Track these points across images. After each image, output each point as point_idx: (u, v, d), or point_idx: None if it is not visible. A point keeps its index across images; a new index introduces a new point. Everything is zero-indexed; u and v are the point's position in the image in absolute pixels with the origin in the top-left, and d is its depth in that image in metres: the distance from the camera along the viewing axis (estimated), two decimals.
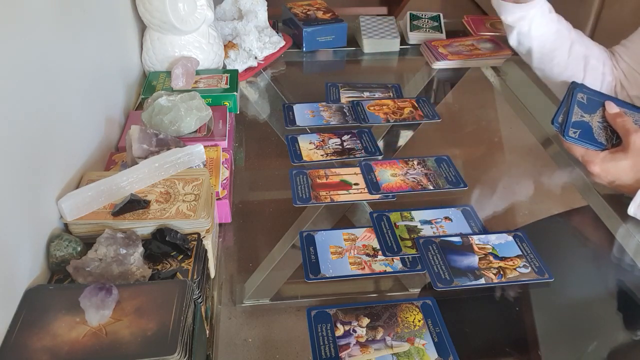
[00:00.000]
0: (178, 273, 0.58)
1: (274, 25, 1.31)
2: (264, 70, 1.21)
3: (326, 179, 0.86)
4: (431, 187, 0.85)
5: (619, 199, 0.80)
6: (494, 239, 0.75)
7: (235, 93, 0.97)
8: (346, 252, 0.73)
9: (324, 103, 1.08)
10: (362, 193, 0.84)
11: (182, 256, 0.60)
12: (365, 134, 0.98)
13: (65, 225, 0.63)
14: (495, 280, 0.69)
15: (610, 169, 0.77)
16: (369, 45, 1.30)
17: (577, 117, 0.82)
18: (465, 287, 0.68)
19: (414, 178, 0.87)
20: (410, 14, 1.39)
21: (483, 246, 0.74)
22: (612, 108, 0.82)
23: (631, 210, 0.76)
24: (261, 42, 1.20)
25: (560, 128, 0.82)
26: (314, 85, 1.17)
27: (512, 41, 1.01)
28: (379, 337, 0.62)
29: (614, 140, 0.80)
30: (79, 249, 0.59)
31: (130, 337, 0.48)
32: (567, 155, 0.85)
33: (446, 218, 0.80)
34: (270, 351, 0.62)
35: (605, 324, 0.67)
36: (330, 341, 0.61)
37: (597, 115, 0.83)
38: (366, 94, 1.12)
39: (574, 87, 0.86)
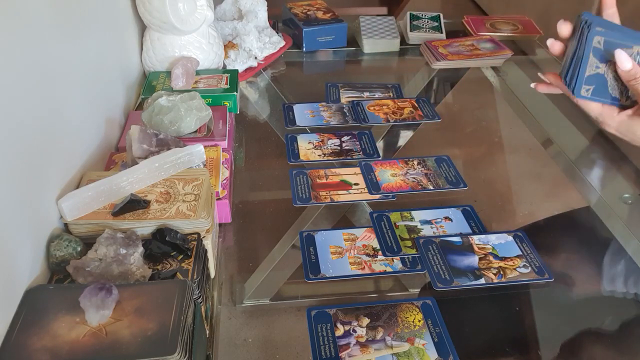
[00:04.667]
0: (178, 273, 0.58)
1: (274, 25, 1.30)
2: (264, 70, 1.21)
3: (326, 179, 0.86)
4: (431, 187, 0.85)
5: (619, 199, 0.80)
6: (494, 239, 0.75)
7: (235, 93, 0.97)
8: (346, 252, 0.73)
9: (324, 103, 1.08)
10: (362, 193, 0.84)
11: (182, 256, 0.60)
12: (365, 136, 0.98)
13: (65, 225, 0.63)
14: (495, 280, 0.69)
15: (627, 133, 0.71)
16: (369, 45, 1.30)
17: (591, 70, 0.69)
18: (465, 287, 0.68)
19: (414, 178, 0.87)
20: (410, 14, 1.39)
21: (483, 246, 0.74)
22: (624, 63, 0.67)
23: None
24: (261, 42, 1.20)
25: (570, 84, 0.71)
26: (314, 85, 1.17)
27: None
28: (379, 337, 0.62)
29: (629, 93, 0.70)
30: (79, 249, 0.59)
31: (130, 337, 0.48)
32: (567, 155, 0.85)
33: (446, 218, 0.80)
34: (270, 351, 0.62)
35: (605, 324, 0.67)
36: (330, 341, 0.61)
37: (612, 65, 0.69)
38: (366, 94, 1.12)
39: (589, 27, 0.68)
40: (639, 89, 0.68)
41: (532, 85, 0.78)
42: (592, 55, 0.69)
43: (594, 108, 0.72)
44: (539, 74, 0.77)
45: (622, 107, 0.72)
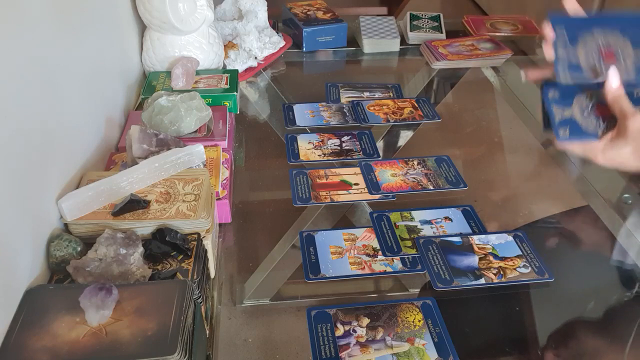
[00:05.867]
0: (178, 273, 0.58)
1: (274, 25, 1.31)
2: (264, 70, 1.21)
3: (326, 179, 0.86)
4: (431, 187, 0.85)
5: (619, 199, 0.80)
6: (494, 239, 0.75)
7: (235, 93, 0.97)
8: (346, 252, 0.73)
9: (324, 103, 1.08)
10: (362, 193, 0.84)
11: (182, 256, 0.60)
12: (365, 136, 0.98)
13: (65, 225, 0.63)
14: (495, 280, 0.69)
15: (615, 157, 0.72)
16: (369, 45, 1.30)
17: (559, 116, 0.78)
18: (465, 287, 0.68)
19: (414, 178, 0.87)
20: (410, 14, 1.39)
21: (483, 246, 0.74)
22: (614, 83, 0.72)
23: None
24: (261, 42, 1.20)
25: (550, 132, 0.78)
26: (314, 85, 1.17)
27: None
28: (379, 337, 0.62)
29: (602, 124, 0.76)
30: (79, 249, 0.59)
31: (130, 337, 0.48)
32: (567, 154, 0.85)
33: (446, 218, 0.80)
34: (270, 351, 0.62)
35: (605, 324, 0.67)
36: (330, 341, 0.61)
37: (575, 105, 0.77)
38: (366, 94, 1.12)
39: (543, 86, 0.80)
40: (623, 108, 0.70)
41: (523, 77, 0.82)
42: (554, 106, 0.77)
43: (577, 148, 0.74)
44: (521, 72, 0.81)
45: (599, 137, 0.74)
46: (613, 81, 0.73)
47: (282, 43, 1.27)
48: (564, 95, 0.78)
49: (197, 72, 1.01)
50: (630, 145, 0.71)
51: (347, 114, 1.05)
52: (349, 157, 0.92)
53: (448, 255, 0.72)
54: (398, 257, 0.72)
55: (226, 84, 0.99)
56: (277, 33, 1.28)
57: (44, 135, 0.61)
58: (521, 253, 0.73)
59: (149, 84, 0.97)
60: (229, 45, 1.16)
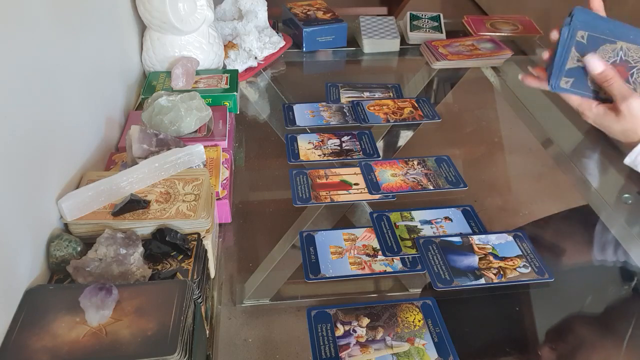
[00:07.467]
0: (178, 273, 0.58)
1: (274, 25, 1.31)
2: (264, 70, 1.21)
3: (326, 179, 0.86)
4: (431, 187, 0.85)
5: (618, 199, 0.80)
6: (494, 239, 0.75)
7: (235, 93, 0.97)
8: (346, 252, 0.73)
9: (324, 103, 1.08)
10: (362, 193, 0.84)
11: (182, 256, 0.60)
12: (365, 136, 0.98)
13: (65, 225, 0.63)
14: (495, 280, 0.69)
15: (603, 124, 0.76)
16: (369, 45, 1.30)
17: (572, 63, 0.72)
18: (465, 287, 0.68)
19: (414, 178, 0.87)
20: (410, 14, 1.39)
21: (483, 246, 0.74)
22: (595, 67, 0.72)
23: (627, 160, 0.76)
24: (261, 42, 1.20)
25: (550, 77, 0.74)
26: (314, 85, 1.17)
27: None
28: (379, 337, 0.62)
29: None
30: (79, 249, 0.59)
31: (130, 337, 0.48)
32: (567, 155, 0.85)
33: (446, 218, 0.80)
34: (270, 351, 0.62)
35: (605, 324, 0.67)
36: (330, 341, 0.61)
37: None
38: (366, 94, 1.12)
39: (572, 19, 0.71)
40: (613, 91, 0.72)
41: (520, 76, 0.83)
42: (574, 50, 0.73)
43: (574, 100, 0.77)
44: (529, 67, 0.82)
45: (602, 100, 0.75)
46: (596, 67, 0.73)
47: (282, 43, 1.27)
48: (590, 43, 0.71)
49: (197, 72, 1.01)
50: (621, 124, 0.73)
51: (347, 114, 1.05)
52: (349, 157, 0.92)
53: (448, 255, 0.72)
54: (398, 257, 0.72)
55: (226, 84, 0.99)
56: (277, 33, 1.28)
57: (44, 135, 0.61)
58: (521, 253, 0.73)
59: (149, 84, 0.97)
60: (229, 45, 1.16)
